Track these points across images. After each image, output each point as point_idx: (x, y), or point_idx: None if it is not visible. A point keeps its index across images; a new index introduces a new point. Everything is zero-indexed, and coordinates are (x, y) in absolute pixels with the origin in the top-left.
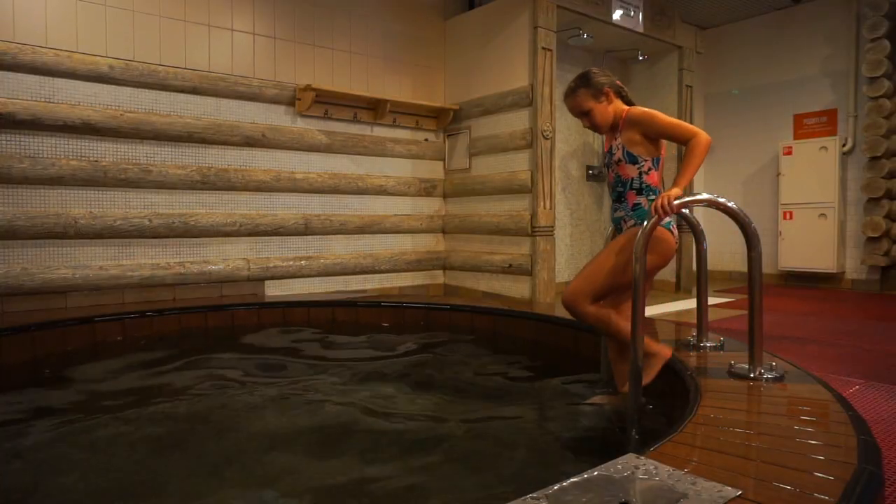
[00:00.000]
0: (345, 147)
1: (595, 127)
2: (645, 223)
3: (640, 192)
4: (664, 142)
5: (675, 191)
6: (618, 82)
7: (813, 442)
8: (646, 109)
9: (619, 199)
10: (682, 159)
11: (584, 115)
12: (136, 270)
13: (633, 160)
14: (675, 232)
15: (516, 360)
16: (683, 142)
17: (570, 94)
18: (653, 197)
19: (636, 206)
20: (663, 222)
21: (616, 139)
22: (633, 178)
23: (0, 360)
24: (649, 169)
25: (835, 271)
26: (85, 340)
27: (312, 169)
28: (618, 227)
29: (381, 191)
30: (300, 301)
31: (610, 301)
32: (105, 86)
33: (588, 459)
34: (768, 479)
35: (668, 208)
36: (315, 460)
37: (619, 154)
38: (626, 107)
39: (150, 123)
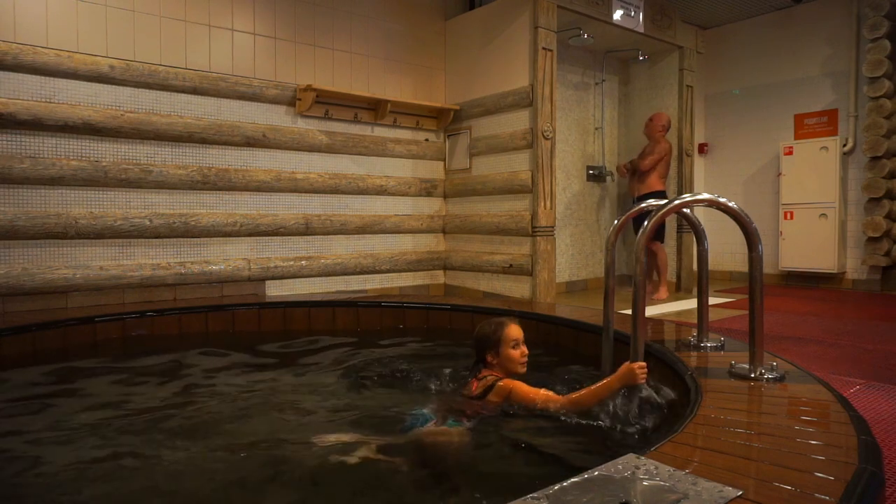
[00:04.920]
0: (345, 147)
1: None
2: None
3: None
4: None
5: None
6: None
7: (814, 442)
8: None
9: None
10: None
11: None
12: (136, 270)
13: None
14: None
15: None
16: None
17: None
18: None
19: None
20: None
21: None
22: None
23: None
24: None
25: (835, 271)
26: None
27: (313, 169)
28: None
29: (381, 191)
30: (300, 301)
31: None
32: (105, 86)
33: (588, 459)
34: (769, 479)
35: None
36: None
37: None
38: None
39: (151, 123)
